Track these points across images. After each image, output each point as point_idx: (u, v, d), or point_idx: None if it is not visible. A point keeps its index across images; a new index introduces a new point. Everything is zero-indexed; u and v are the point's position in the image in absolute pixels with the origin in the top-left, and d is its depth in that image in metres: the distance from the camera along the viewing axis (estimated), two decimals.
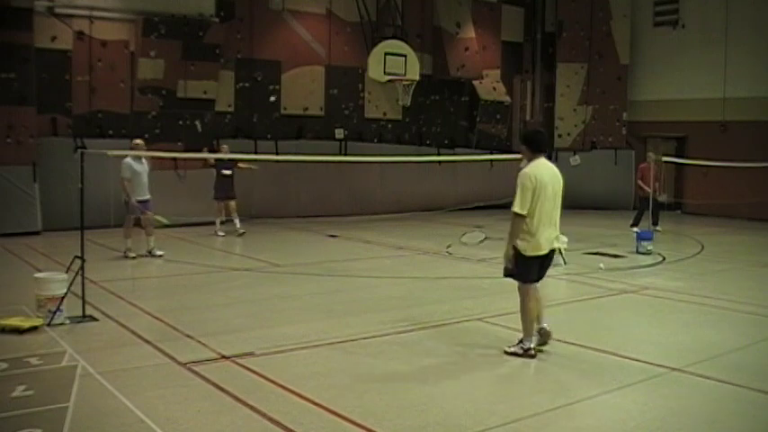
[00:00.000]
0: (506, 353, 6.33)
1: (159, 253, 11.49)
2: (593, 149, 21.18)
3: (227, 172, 14.13)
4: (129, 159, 11.27)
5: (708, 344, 6.86)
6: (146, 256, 11.40)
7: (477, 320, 7.71)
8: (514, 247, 6.21)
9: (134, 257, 11.29)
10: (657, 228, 15.28)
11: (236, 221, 14.19)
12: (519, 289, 6.39)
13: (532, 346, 6.31)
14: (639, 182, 15.74)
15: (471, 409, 5.03)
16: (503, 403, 5.18)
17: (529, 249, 6.18)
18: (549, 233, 6.24)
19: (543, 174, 6.20)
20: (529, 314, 6.33)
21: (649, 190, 15.07)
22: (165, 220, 12.06)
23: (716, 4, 19.46)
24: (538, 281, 6.42)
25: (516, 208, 6.08)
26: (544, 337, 6.53)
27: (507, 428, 4.72)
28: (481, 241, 12.89)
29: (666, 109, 20.46)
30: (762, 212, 18.09)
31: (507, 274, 6.40)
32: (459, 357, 6.32)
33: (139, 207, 11.30)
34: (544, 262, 6.39)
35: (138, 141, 11.82)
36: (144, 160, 11.48)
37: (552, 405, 5.13)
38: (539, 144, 6.36)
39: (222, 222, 14.36)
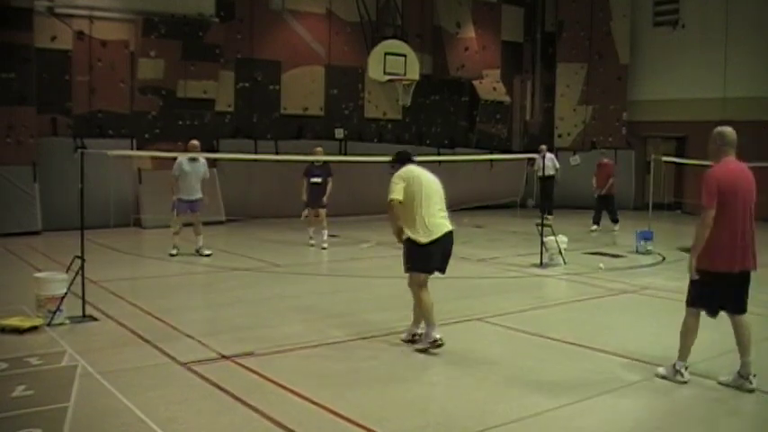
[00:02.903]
0: (417, 350, 6.40)
1: (207, 252, 11.53)
2: (593, 149, 21.15)
3: (317, 180, 12.76)
4: (182, 158, 11.42)
5: (708, 344, 6.84)
6: (193, 254, 11.49)
7: (477, 320, 7.71)
8: (409, 239, 6.47)
9: (175, 255, 11.40)
10: (595, 228, 15.34)
11: (325, 234, 12.83)
12: (414, 279, 6.55)
13: (438, 336, 6.36)
14: (595, 178, 15.81)
15: (471, 409, 5.03)
16: (503, 403, 5.18)
17: (424, 238, 6.42)
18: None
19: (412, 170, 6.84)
20: (427, 304, 6.47)
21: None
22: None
23: (716, 4, 19.45)
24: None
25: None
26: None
27: (507, 428, 4.72)
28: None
29: (666, 109, 20.43)
30: (762, 212, 17.97)
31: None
32: (459, 357, 6.31)
33: (185, 206, 11.43)
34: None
35: (195, 142, 11.81)
36: (201, 161, 11.59)
37: (552, 405, 5.13)
38: (405, 156, 7.10)
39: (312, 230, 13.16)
